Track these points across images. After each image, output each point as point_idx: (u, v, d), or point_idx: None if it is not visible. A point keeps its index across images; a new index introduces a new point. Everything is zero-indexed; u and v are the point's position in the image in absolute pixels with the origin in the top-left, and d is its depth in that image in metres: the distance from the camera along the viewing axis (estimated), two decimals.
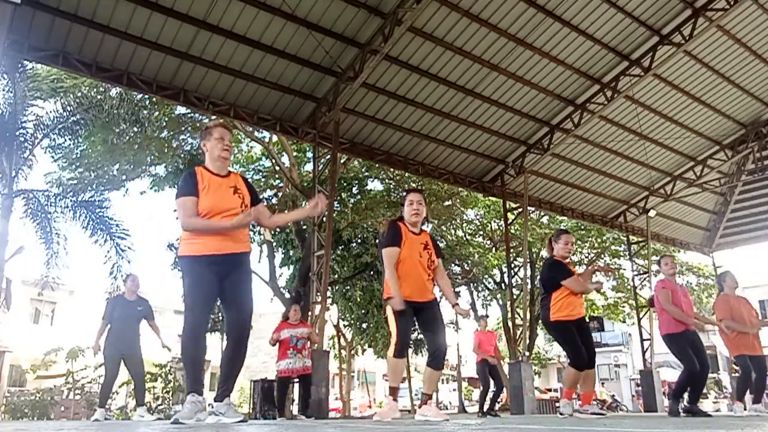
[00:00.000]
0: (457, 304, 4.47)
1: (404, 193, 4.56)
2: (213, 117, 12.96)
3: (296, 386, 9.13)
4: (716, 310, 6.75)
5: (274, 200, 16.96)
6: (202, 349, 3.33)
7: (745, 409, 6.49)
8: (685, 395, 6.14)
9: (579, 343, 5.11)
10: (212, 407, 3.33)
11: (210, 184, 3.38)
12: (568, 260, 5.40)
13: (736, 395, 6.78)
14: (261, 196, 16.95)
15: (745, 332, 6.40)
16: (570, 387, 5.38)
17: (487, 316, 12.46)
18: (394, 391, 4.24)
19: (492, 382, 9.91)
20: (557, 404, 21.67)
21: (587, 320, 5.33)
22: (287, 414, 8.25)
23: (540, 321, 20.87)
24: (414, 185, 18.39)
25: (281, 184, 16.73)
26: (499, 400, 10.83)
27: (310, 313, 10.74)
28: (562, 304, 5.16)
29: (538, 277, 6.16)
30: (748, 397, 6.64)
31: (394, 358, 4.16)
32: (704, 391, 21.07)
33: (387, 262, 4.15)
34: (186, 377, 3.43)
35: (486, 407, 10.29)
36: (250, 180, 16.46)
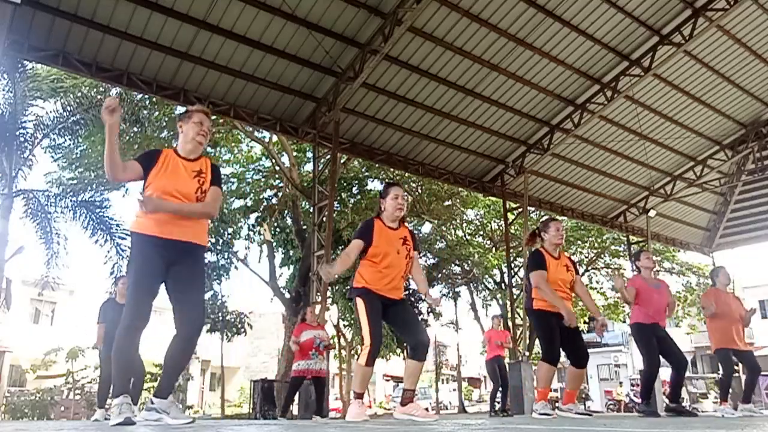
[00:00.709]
0: (428, 293, 4.23)
1: (385, 186, 4.28)
2: (213, 117, 12.98)
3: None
4: (702, 300, 6.75)
5: (274, 200, 16.98)
6: (137, 345, 3.08)
7: (735, 409, 6.45)
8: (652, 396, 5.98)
9: (556, 336, 4.75)
10: (152, 402, 3.03)
11: (170, 165, 3.19)
12: (560, 248, 5.03)
13: (720, 396, 6.68)
14: (261, 196, 17.01)
15: (728, 323, 6.33)
16: (545, 386, 4.97)
17: (502, 316, 12.45)
18: (360, 396, 4.03)
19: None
20: (557, 404, 21.68)
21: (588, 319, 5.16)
22: (298, 414, 8.20)
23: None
24: (414, 185, 18.41)
25: (281, 184, 16.73)
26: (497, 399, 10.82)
27: (302, 313, 10.75)
28: (542, 296, 4.84)
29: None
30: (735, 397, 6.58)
31: (366, 367, 3.89)
32: (704, 390, 21.08)
33: (347, 250, 4.01)
34: (114, 377, 3.13)
35: (493, 407, 10.27)
36: (247, 178, 16.28)
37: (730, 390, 6.75)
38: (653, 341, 5.72)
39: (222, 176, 3.51)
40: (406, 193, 4.29)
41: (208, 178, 3.28)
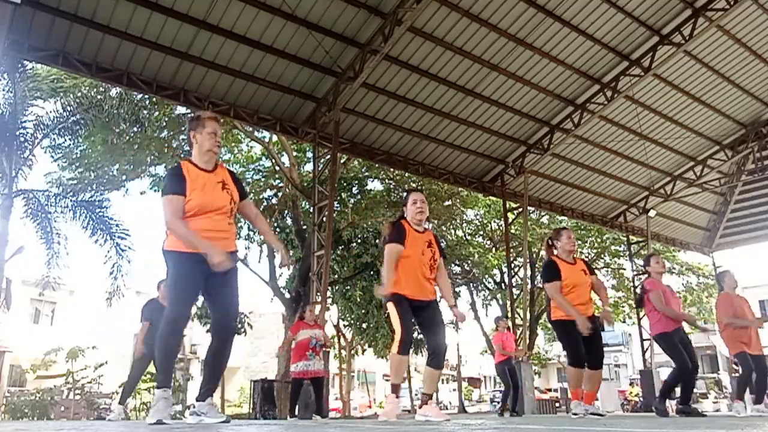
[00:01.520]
0: (455, 305, 4.43)
1: (405, 193, 4.55)
2: None
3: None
4: (718, 308, 6.70)
5: (274, 200, 16.97)
6: (179, 345, 3.31)
7: (746, 409, 6.47)
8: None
9: (577, 341, 5.02)
10: (194, 407, 3.27)
11: (198, 181, 3.26)
12: (574, 255, 5.26)
13: (736, 394, 6.72)
14: (261, 196, 17.03)
15: (746, 328, 6.35)
16: (575, 387, 5.30)
17: (507, 317, 12.40)
18: (396, 389, 4.23)
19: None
20: (557, 404, 21.71)
21: (595, 319, 5.20)
22: (298, 415, 8.19)
23: (538, 321, 20.93)
24: (414, 185, 18.41)
25: (281, 184, 16.72)
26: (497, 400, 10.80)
27: (300, 312, 10.75)
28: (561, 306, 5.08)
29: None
30: (749, 397, 6.61)
31: (398, 355, 4.10)
32: (704, 391, 21.09)
33: (387, 259, 4.13)
34: (158, 371, 3.34)
35: (504, 408, 10.22)
36: (247, 178, 16.31)
37: (729, 390, 6.76)
38: (680, 346, 5.76)
39: (242, 182, 3.63)
40: (425, 198, 4.46)
41: (233, 188, 3.40)
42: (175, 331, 3.24)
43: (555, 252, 5.24)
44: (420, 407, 4.18)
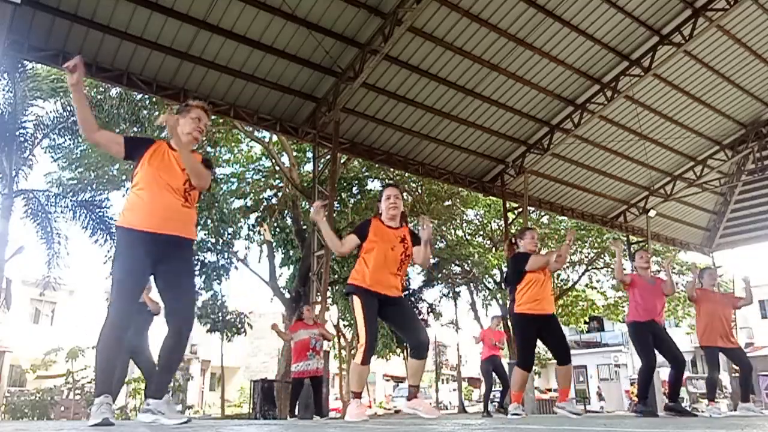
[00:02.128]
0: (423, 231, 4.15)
1: (382, 188, 4.45)
2: (213, 117, 12.96)
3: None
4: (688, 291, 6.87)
5: (274, 200, 16.97)
6: (122, 345, 3.00)
7: (735, 409, 6.46)
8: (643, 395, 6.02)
9: (530, 342, 5.09)
10: (148, 404, 2.98)
11: (161, 157, 3.14)
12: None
13: (707, 396, 6.67)
14: (261, 196, 16.98)
15: (710, 322, 6.40)
16: (518, 390, 5.23)
17: (503, 317, 12.36)
18: (359, 395, 4.06)
19: (498, 381, 9.82)
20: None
21: (554, 317, 5.24)
22: (298, 415, 8.20)
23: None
24: (414, 185, 18.42)
25: (281, 184, 16.73)
26: (493, 399, 10.73)
27: (298, 312, 10.74)
28: (525, 297, 5.09)
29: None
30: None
31: (361, 366, 3.92)
32: (704, 390, 21.06)
33: (338, 240, 4.10)
34: (97, 375, 2.97)
35: (491, 406, 10.18)
36: (247, 178, 16.24)
37: (729, 389, 6.76)
38: (649, 339, 5.77)
39: (214, 171, 3.48)
40: (399, 193, 4.33)
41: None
42: (120, 327, 2.92)
43: (518, 250, 5.35)
44: (409, 400, 4.03)
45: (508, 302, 5.38)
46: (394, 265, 4.03)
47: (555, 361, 5.17)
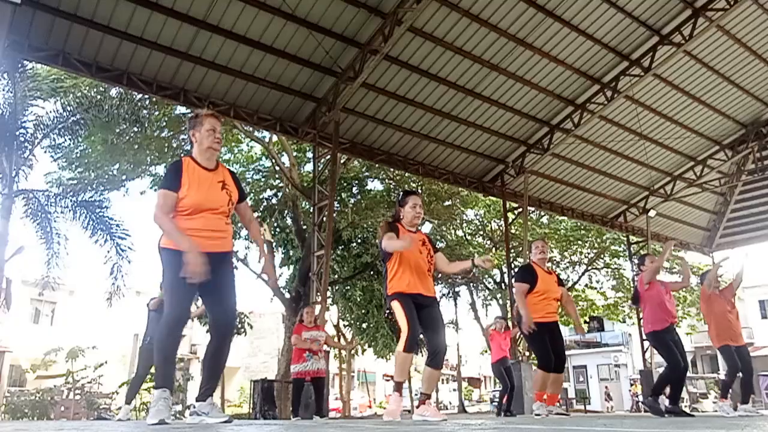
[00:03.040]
0: (473, 261, 4.45)
1: (403, 195, 4.55)
2: None
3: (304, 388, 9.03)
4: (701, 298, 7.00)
5: (274, 200, 16.97)
6: (178, 345, 3.26)
7: (735, 410, 6.47)
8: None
9: (547, 345, 5.30)
10: (194, 407, 3.22)
11: (197, 178, 3.22)
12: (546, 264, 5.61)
13: (721, 393, 6.76)
14: (261, 196, 17.02)
15: (723, 321, 6.47)
16: (540, 389, 5.55)
17: (504, 318, 12.37)
18: (399, 386, 4.25)
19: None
20: (557, 404, 21.66)
21: (556, 325, 5.45)
22: (300, 415, 8.20)
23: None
24: (414, 185, 18.41)
25: (281, 184, 16.72)
26: (493, 399, 10.74)
27: (299, 315, 10.72)
28: (533, 307, 5.34)
29: None
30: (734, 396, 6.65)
31: (404, 353, 4.12)
32: (705, 390, 21.08)
33: (387, 243, 4.16)
34: (158, 371, 3.25)
35: (491, 406, 10.18)
36: (247, 178, 16.27)
37: (731, 390, 6.78)
38: (672, 345, 5.85)
39: (240, 182, 3.58)
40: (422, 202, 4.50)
41: (233, 189, 3.36)
42: (174, 332, 3.20)
43: (531, 259, 5.59)
44: (418, 407, 4.19)
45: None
46: (424, 266, 4.25)
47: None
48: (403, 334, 4.11)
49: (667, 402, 6.02)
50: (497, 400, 11.54)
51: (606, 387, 28.06)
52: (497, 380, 10.23)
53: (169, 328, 3.19)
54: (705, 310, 6.84)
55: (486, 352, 28.26)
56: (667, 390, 6.02)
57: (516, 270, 5.68)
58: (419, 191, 4.76)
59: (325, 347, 8.39)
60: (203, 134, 3.30)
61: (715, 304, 6.63)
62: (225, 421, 3.08)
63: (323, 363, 8.04)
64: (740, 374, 6.53)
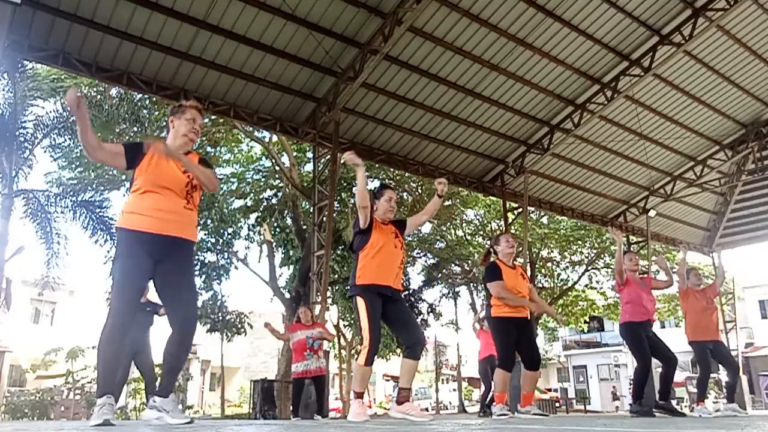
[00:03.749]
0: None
1: (380, 187, 4.44)
2: (213, 117, 12.95)
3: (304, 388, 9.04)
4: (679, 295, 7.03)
5: (274, 200, 16.97)
6: (123, 345, 3.03)
7: (718, 410, 6.46)
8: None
9: (510, 344, 5.17)
10: (154, 401, 3.05)
11: (159, 160, 3.11)
12: (513, 260, 5.43)
13: (697, 396, 6.68)
14: (261, 196, 16.99)
15: (698, 319, 6.50)
16: (500, 390, 5.34)
17: (484, 318, 12.37)
18: (360, 396, 4.07)
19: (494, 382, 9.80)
20: (557, 404, 21.69)
21: (529, 322, 5.31)
22: (300, 415, 8.20)
23: (538, 321, 20.92)
24: (414, 185, 18.42)
25: (281, 184, 16.73)
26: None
27: (296, 314, 10.73)
28: (499, 302, 5.22)
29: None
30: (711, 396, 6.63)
31: (364, 367, 3.95)
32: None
33: (361, 195, 4.10)
34: (98, 375, 3.03)
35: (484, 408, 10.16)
36: (247, 178, 16.22)
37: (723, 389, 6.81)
38: (644, 339, 5.85)
39: (213, 168, 3.43)
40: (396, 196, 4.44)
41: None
42: (120, 328, 2.94)
43: (497, 256, 5.42)
44: (399, 403, 3.99)
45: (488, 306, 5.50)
46: (395, 260, 4.13)
47: (565, 361, 5.25)
48: (364, 346, 3.93)
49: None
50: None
51: (613, 387, 28.03)
52: (482, 379, 10.17)
53: (117, 323, 2.93)
54: (682, 305, 6.89)
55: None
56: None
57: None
58: (393, 186, 4.66)
59: (325, 346, 8.39)
60: (182, 122, 3.25)
61: (691, 299, 6.69)
62: (186, 423, 2.92)
63: (323, 362, 8.05)
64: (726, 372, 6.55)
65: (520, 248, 14.51)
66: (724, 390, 7.33)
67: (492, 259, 5.42)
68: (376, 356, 3.99)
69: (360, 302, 3.98)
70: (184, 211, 3.13)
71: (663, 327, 26.91)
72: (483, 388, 10.31)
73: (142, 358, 6.92)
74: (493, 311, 5.24)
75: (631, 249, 17.81)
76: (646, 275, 7.07)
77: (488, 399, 9.96)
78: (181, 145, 3.23)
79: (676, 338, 10.07)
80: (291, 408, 8.41)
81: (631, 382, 22.95)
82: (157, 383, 3.16)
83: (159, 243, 3.00)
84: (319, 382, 7.99)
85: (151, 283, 3.16)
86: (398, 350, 21.13)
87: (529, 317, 5.24)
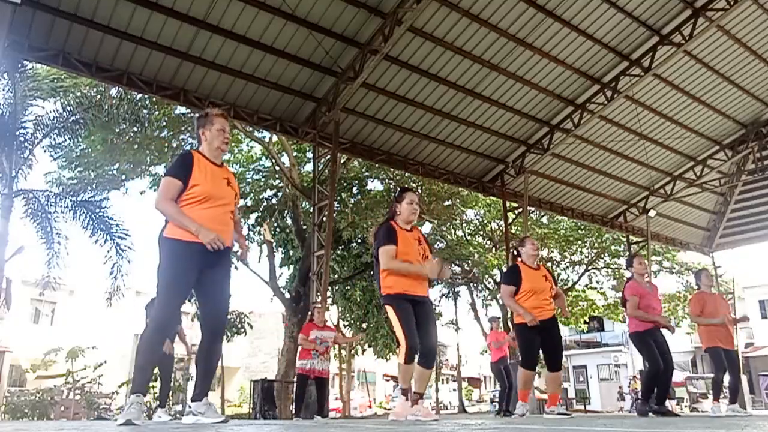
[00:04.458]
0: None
1: (401, 191, 4.49)
2: None
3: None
4: (690, 306, 6.94)
5: (274, 200, 16.96)
6: (161, 349, 3.23)
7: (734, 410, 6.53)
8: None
9: (532, 344, 5.24)
10: (190, 407, 3.20)
11: (209, 171, 3.26)
12: (537, 261, 5.44)
13: (713, 395, 6.82)
14: (261, 196, 17.00)
15: (716, 324, 6.48)
16: (523, 388, 5.48)
17: (499, 318, 12.44)
18: (406, 392, 4.22)
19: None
20: (546, 409, 21.67)
21: (553, 323, 5.29)
22: (301, 415, 8.21)
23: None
24: (414, 185, 18.41)
25: (281, 184, 16.72)
26: (493, 399, 10.74)
27: (309, 313, 10.73)
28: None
29: None
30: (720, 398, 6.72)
31: (405, 365, 4.11)
32: (704, 391, 21.08)
33: (386, 259, 4.10)
34: (135, 373, 3.19)
35: (491, 406, 10.19)
36: (247, 178, 16.27)
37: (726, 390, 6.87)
38: (652, 345, 5.92)
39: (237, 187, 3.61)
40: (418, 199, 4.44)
41: (235, 188, 3.43)
42: (162, 330, 3.14)
43: (520, 259, 5.45)
44: (411, 406, 4.18)
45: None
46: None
47: (565, 362, 5.28)
48: (402, 347, 4.09)
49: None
50: (497, 400, 11.53)
51: (620, 387, 28.04)
52: (497, 380, 10.23)
53: (160, 326, 3.12)
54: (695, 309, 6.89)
55: (486, 352, 28.30)
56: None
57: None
58: (413, 190, 4.63)
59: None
60: (213, 134, 3.36)
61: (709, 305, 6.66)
62: (221, 422, 3.06)
63: (327, 364, 8.07)
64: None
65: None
66: (724, 390, 7.39)
67: (516, 262, 5.47)
68: (415, 354, 4.10)
69: (389, 310, 4.15)
70: (229, 222, 3.33)
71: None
72: (500, 388, 10.36)
73: (166, 361, 6.94)
74: (515, 317, 5.33)
75: (631, 249, 17.81)
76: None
77: (506, 399, 9.96)
78: (216, 156, 3.38)
79: (675, 338, 10.08)
80: (294, 406, 8.41)
81: (630, 382, 23.02)
82: (194, 389, 3.26)
83: (209, 253, 3.12)
84: (321, 383, 8.02)
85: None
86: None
87: (553, 318, 5.28)
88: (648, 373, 6.10)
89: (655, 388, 6.09)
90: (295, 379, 8.46)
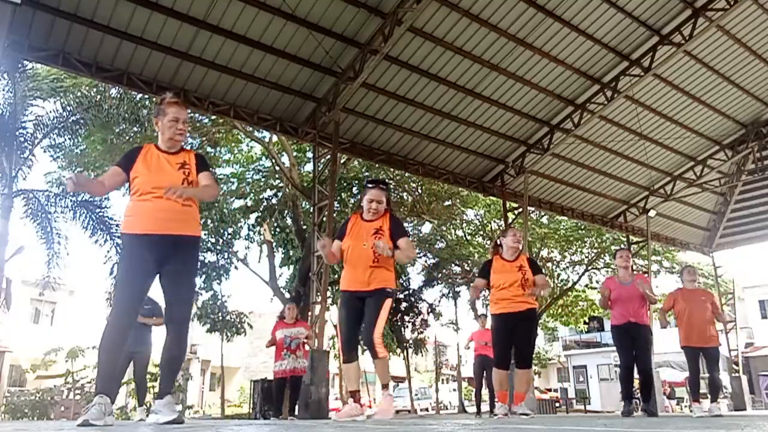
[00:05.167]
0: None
1: (366, 184, 4.34)
2: (213, 117, 12.95)
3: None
4: (664, 301, 7.01)
5: (273, 200, 16.97)
6: (123, 346, 3.04)
7: (734, 410, 6.53)
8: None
9: (503, 342, 5.16)
10: (154, 405, 3.17)
11: (154, 162, 3.15)
12: (517, 252, 5.29)
13: (691, 396, 6.80)
14: (261, 196, 16.97)
15: (687, 323, 6.47)
16: (499, 389, 5.43)
17: (485, 315, 12.39)
18: (353, 394, 4.08)
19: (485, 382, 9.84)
20: (557, 404, 21.68)
21: (523, 317, 5.12)
22: (298, 415, 8.20)
23: (538, 321, 21.04)
24: (414, 185, 18.41)
25: (281, 184, 16.73)
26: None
27: (310, 313, 10.75)
28: (492, 299, 5.25)
29: None
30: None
31: (343, 364, 4.06)
32: (704, 391, 21.09)
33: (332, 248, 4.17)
34: (97, 374, 3.06)
35: (485, 406, 10.18)
36: (247, 178, 16.20)
37: (729, 389, 6.86)
38: (625, 342, 6.06)
39: (209, 163, 3.45)
40: (383, 196, 4.20)
41: (194, 169, 3.22)
42: (121, 329, 2.99)
43: (501, 251, 5.35)
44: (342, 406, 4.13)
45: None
46: (363, 260, 4.01)
47: (564, 361, 5.25)
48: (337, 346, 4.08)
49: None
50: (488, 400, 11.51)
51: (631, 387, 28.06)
52: (474, 379, 10.18)
53: (117, 324, 2.97)
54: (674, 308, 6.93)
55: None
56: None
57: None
58: (386, 182, 4.35)
59: (307, 346, 8.34)
60: (165, 124, 3.22)
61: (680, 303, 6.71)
62: (172, 421, 2.94)
63: (302, 362, 7.94)
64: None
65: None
66: (723, 390, 7.42)
67: (492, 257, 5.42)
68: (349, 353, 4.06)
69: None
70: (183, 209, 3.13)
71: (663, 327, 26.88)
72: (475, 388, 10.34)
73: (138, 366, 6.92)
74: (490, 307, 5.30)
75: (631, 249, 17.81)
76: (645, 274, 7.10)
77: (482, 399, 9.96)
78: (171, 145, 3.25)
79: (675, 338, 10.06)
80: (275, 407, 8.40)
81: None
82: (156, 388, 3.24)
83: (161, 243, 3.03)
84: (294, 382, 7.92)
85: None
86: (398, 350, 21.16)
87: (527, 312, 5.07)
88: (620, 370, 6.27)
89: (629, 386, 6.23)
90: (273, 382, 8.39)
